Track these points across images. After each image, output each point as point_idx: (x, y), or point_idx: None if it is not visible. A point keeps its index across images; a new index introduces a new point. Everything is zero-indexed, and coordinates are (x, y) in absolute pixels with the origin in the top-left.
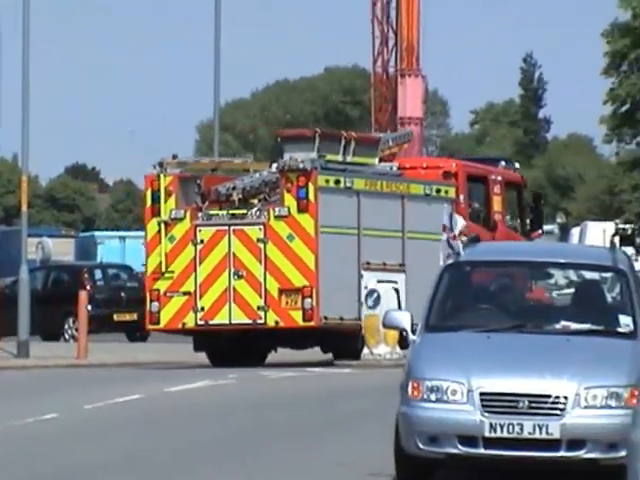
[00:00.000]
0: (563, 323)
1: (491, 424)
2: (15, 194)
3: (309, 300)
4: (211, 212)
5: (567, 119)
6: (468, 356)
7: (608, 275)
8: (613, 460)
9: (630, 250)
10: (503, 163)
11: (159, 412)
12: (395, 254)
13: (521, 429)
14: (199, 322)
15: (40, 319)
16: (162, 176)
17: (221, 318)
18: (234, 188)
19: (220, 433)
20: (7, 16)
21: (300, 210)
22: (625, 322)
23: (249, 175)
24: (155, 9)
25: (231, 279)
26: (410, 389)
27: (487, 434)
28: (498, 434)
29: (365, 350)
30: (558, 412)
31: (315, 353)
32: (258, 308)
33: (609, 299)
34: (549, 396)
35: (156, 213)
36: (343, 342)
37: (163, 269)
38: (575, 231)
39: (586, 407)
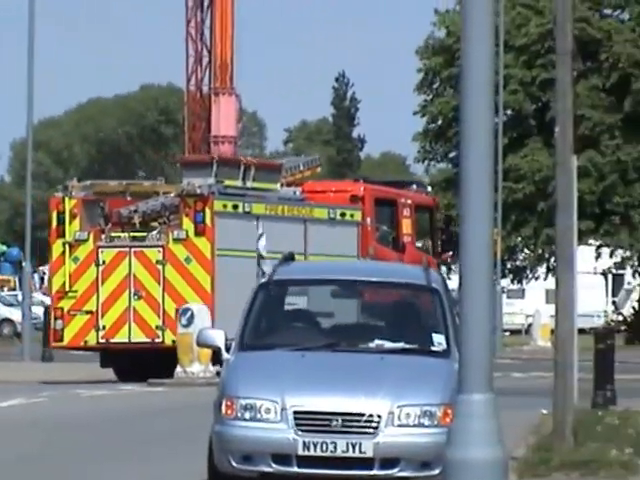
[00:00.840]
0: (377, 342)
1: (304, 442)
2: None
3: None
4: (113, 234)
5: (381, 138)
6: (282, 375)
7: (422, 294)
8: (427, 478)
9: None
10: (414, 186)
11: None
12: None
13: (335, 447)
14: (100, 340)
15: None
16: (67, 199)
17: (121, 337)
18: (136, 211)
19: (24, 452)
20: None
21: (197, 233)
22: (438, 341)
23: (152, 199)
24: None
25: (131, 299)
26: (224, 407)
27: (300, 452)
28: (312, 452)
29: (178, 368)
30: (371, 431)
31: None
32: (156, 327)
33: (423, 318)
34: (362, 415)
35: (61, 234)
36: None
37: (67, 288)
38: None
39: (399, 426)
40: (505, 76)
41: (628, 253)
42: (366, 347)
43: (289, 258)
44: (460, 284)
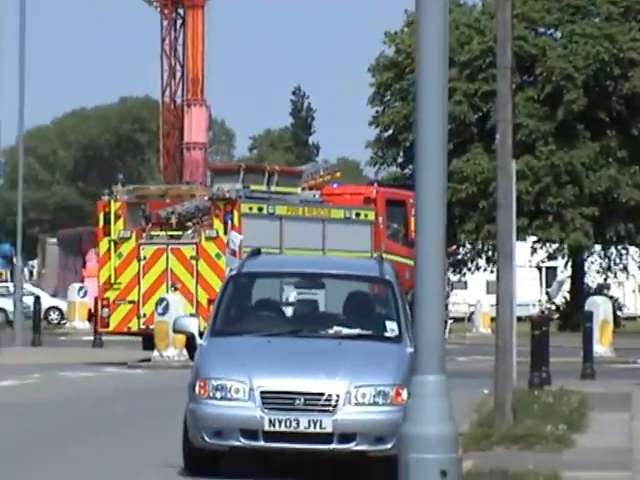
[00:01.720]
0: (336, 328)
1: (270, 419)
2: None
3: None
4: (153, 233)
5: (337, 144)
6: (250, 358)
7: (376, 285)
8: (381, 452)
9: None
10: None
11: None
12: None
13: (297, 424)
14: (142, 326)
15: None
16: (112, 202)
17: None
18: (173, 213)
19: (16, 427)
20: None
21: (226, 233)
22: (391, 327)
23: (187, 202)
24: None
25: (168, 290)
26: (197, 388)
27: (267, 428)
28: (277, 428)
29: (155, 352)
30: (331, 409)
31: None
32: (190, 315)
33: (377, 307)
34: (322, 394)
35: (107, 233)
36: None
37: (112, 281)
38: None
39: (356, 404)
40: (450, 88)
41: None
42: (326, 333)
43: (256, 253)
44: (416, 277)
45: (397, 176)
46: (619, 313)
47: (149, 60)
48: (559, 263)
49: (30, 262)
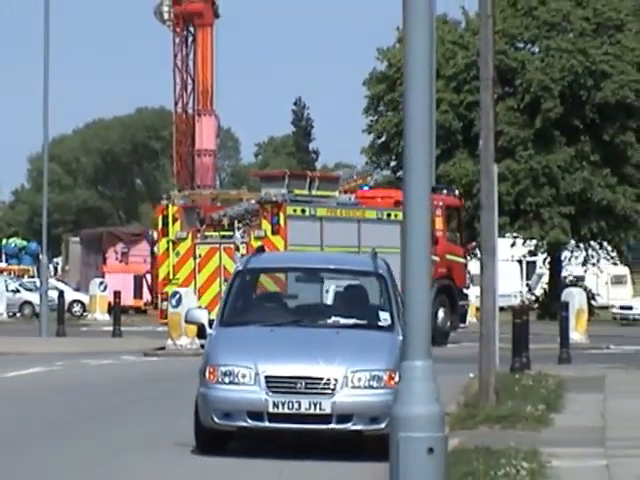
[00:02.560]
0: (333, 319)
1: (274, 402)
2: None
3: None
4: (207, 233)
5: (335, 151)
6: (255, 346)
7: (370, 279)
8: (375, 431)
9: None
10: (445, 191)
11: None
12: None
13: (299, 406)
14: None
15: None
16: (170, 206)
17: (214, 315)
18: (224, 215)
19: (49, 411)
20: None
21: (273, 233)
22: (384, 317)
23: (237, 205)
24: None
25: (221, 285)
26: (207, 373)
27: (271, 410)
28: (280, 410)
29: (169, 341)
30: (329, 392)
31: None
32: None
33: (371, 299)
34: (322, 379)
35: (165, 234)
36: None
37: (171, 277)
38: None
39: (353, 387)
40: (437, 99)
41: (535, 242)
42: (324, 323)
43: (260, 250)
44: (404, 271)
45: (390, 179)
46: (593, 303)
47: (163, 74)
48: (538, 258)
49: (55, 259)
